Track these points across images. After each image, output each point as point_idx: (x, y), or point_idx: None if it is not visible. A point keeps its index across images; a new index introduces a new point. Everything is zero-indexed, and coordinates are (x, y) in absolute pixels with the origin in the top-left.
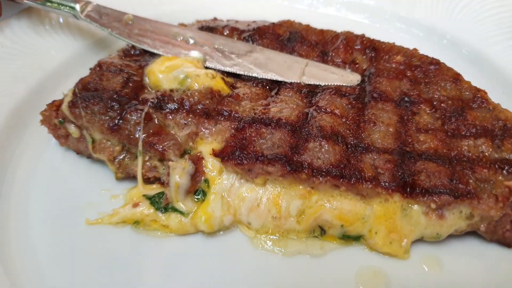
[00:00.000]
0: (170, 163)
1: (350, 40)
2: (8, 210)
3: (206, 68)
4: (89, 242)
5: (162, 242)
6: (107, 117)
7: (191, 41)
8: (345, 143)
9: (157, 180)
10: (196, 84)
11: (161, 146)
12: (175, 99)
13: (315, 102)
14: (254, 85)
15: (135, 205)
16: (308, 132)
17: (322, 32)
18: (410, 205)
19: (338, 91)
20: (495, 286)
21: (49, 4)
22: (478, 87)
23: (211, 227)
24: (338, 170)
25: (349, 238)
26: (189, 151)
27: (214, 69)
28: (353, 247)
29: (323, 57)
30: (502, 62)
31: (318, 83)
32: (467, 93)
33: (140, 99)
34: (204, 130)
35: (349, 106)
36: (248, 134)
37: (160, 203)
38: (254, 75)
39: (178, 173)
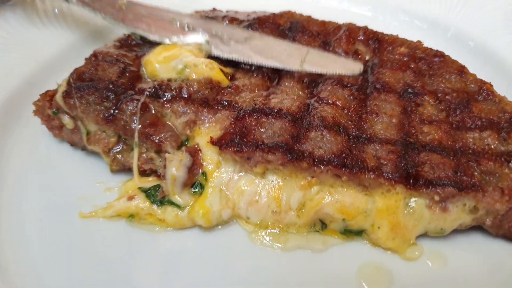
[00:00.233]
0: (166, 155)
1: (352, 31)
2: (0, 202)
3: (209, 57)
4: (83, 235)
5: (158, 237)
6: (103, 108)
7: (188, 27)
8: (347, 134)
9: (153, 172)
10: (194, 74)
11: (157, 138)
12: (173, 88)
13: (316, 93)
14: (254, 75)
15: (130, 198)
16: (309, 122)
17: (323, 23)
18: (413, 198)
19: (340, 82)
20: (500, 282)
21: None
22: (483, 79)
23: (209, 222)
24: (340, 159)
25: (351, 232)
26: (186, 141)
27: (213, 57)
28: (355, 242)
29: (325, 47)
30: (507, 55)
31: (319, 71)
32: (472, 85)
33: (137, 89)
34: (203, 118)
35: (351, 97)
36: (248, 123)
37: (156, 196)
38: (254, 62)
39: (175, 165)
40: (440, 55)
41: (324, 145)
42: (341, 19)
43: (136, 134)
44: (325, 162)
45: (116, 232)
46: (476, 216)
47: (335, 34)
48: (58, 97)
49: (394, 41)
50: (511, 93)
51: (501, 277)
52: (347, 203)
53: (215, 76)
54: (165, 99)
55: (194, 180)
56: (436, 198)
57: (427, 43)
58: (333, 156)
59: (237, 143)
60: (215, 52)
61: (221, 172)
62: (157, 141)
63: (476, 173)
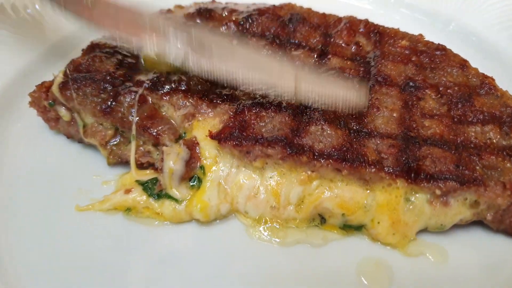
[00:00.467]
0: (164, 148)
1: (353, 24)
2: None
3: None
4: (79, 229)
5: (155, 230)
6: (100, 99)
7: (164, 30)
8: (348, 128)
9: (150, 165)
10: None
11: (155, 130)
12: (172, 80)
13: None
14: None
15: (127, 191)
16: (309, 116)
17: (324, 15)
18: (414, 192)
19: (341, 73)
20: (501, 277)
21: None
22: (485, 74)
23: (207, 216)
24: (341, 153)
25: (351, 228)
26: (184, 134)
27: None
28: (355, 237)
29: (326, 39)
30: (509, 49)
31: (314, 98)
32: (474, 79)
33: (135, 81)
34: (202, 111)
35: None
36: (247, 117)
37: (153, 190)
38: (239, 79)
39: (172, 158)
40: (442, 48)
41: (325, 139)
42: (341, 12)
43: (134, 127)
44: (325, 156)
45: (112, 226)
46: (477, 211)
47: (336, 27)
48: (55, 89)
49: (395, 34)
50: None
51: (501, 273)
52: (347, 198)
53: None
54: (164, 91)
55: (192, 173)
56: (438, 192)
57: (428, 37)
58: (333, 150)
59: (237, 137)
60: (193, 67)
61: (219, 166)
62: (154, 134)
63: (478, 168)
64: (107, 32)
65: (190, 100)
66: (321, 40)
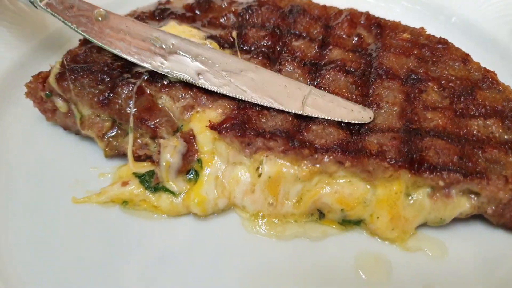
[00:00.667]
0: (161, 141)
1: (354, 16)
2: None
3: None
4: (75, 221)
5: (152, 224)
6: (97, 91)
7: (173, 50)
8: (349, 125)
9: (148, 158)
10: None
11: (153, 123)
12: None
13: (318, 77)
14: (254, 57)
15: (124, 184)
16: (312, 117)
17: (325, 7)
18: (416, 186)
19: (342, 67)
20: (500, 271)
21: None
22: (487, 68)
23: (204, 211)
24: (343, 146)
25: (350, 222)
26: (181, 126)
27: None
28: (354, 231)
29: (326, 31)
30: (511, 44)
31: (322, 117)
32: (476, 73)
33: (133, 72)
34: (201, 103)
35: (354, 86)
36: (250, 112)
37: (150, 182)
38: (247, 99)
39: (169, 151)
40: (444, 42)
41: (326, 135)
42: (342, 5)
43: (131, 119)
44: (327, 149)
45: (109, 218)
46: (478, 204)
47: (337, 19)
48: (51, 79)
49: (397, 27)
50: None
51: (501, 267)
52: (347, 193)
53: None
54: (163, 83)
55: (189, 167)
56: (441, 183)
57: (429, 30)
58: (335, 143)
59: (239, 128)
60: (204, 84)
61: (217, 160)
62: (152, 126)
63: (480, 160)
64: (118, 50)
65: (190, 92)
66: (322, 31)
